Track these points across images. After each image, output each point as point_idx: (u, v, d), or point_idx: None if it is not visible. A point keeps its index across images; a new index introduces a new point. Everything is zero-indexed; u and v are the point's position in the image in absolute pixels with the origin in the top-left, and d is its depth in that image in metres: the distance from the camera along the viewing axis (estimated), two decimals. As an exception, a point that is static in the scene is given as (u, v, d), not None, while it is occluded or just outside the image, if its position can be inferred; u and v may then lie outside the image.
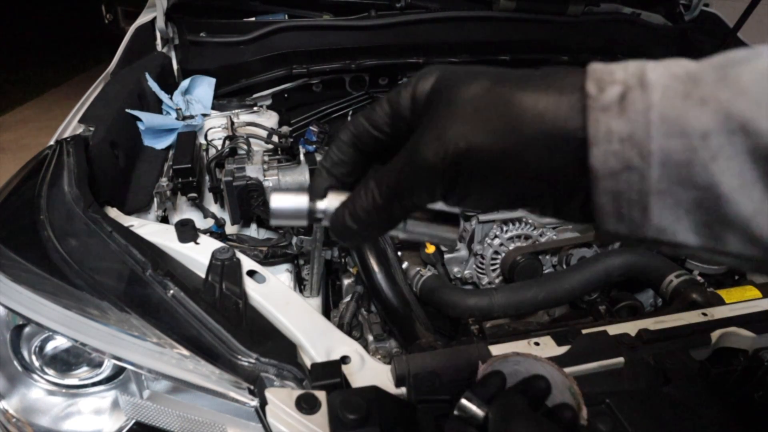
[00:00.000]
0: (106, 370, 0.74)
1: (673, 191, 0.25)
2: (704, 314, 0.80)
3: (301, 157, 1.37)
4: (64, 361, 0.75)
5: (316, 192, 0.37)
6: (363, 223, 0.34)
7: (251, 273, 0.87)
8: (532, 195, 0.30)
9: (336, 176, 0.38)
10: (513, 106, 0.29)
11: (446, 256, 1.13)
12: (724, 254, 0.26)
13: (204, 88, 1.52)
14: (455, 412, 0.47)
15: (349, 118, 1.84)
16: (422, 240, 0.37)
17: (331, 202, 0.36)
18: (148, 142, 1.32)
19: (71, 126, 1.20)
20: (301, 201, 0.36)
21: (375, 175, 0.33)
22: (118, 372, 0.74)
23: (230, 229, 1.29)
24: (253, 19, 1.69)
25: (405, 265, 1.13)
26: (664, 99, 0.25)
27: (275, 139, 1.46)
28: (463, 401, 0.47)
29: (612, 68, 0.27)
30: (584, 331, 0.75)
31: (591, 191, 0.27)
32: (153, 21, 1.63)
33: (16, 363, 0.74)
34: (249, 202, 1.25)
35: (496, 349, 0.72)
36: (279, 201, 0.37)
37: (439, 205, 0.34)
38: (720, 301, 0.85)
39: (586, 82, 0.27)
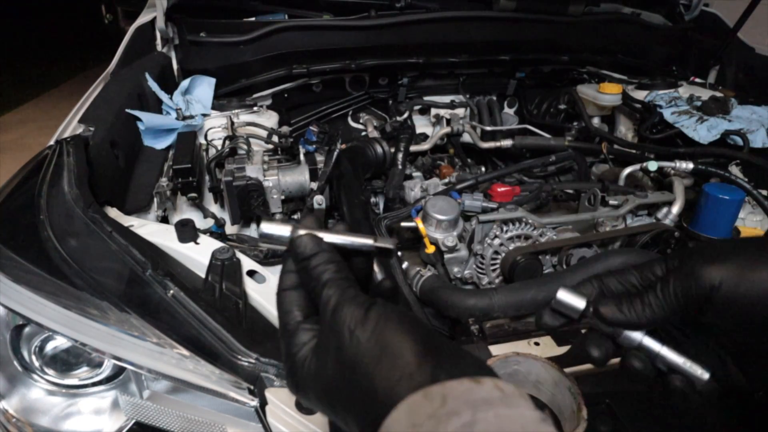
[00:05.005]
0: (106, 370, 0.74)
1: None
2: (704, 314, 0.79)
3: (301, 157, 1.37)
4: (64, 361, 0.75)
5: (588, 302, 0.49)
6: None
7: (251, 273, 0.87)
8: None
9: None
10: None
11: (446, 256, 1.13)
12: None
13: (204, 88, 1.52)
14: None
15: (349, 118, 1.84)
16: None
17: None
18: (148, 142, 1.32)
19: (71, 126, 1.19)
20: (580, 303, 0.48)
21: (644, 300, 0.46)
22: (118, 372, 0.74)
23: (230, 229, 1.29)
24: (253, 19, 1.69)
25: (405, 265, 1.13)
26: None
27: (275, 139, 1.46)
28: (264, 226, 0.47)
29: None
30: (584, 331, 0.75)
31: None
32: (153, 21, 1.63)
33: (16, 363, 0.74)
34: (249, 202, 1.25)
35: (496, 349, 0.72)
36: (564, 296, 0.49)
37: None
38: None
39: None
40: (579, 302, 0.48)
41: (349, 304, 0.38)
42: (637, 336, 0.46)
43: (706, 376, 0.44)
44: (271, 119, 1.53)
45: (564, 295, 0.48)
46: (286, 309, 0.44)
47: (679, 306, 0.43)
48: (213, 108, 1.52)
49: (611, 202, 1.21)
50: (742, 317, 0.40)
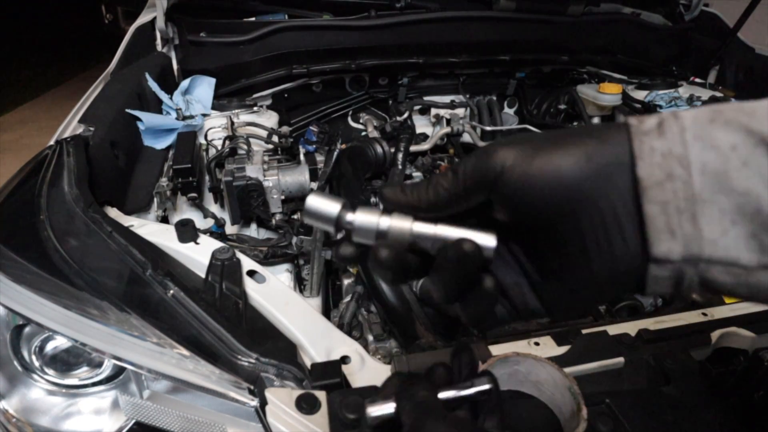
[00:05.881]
0: (106, 370, 0.74)
1: (716, 199, 0.29)
2: (704, 314, 0.80)
3: (301, 157, 1.37)
4: (64, 361, 0.75)
5: (348, 204, 0.39)
6: (419, 209, 0.38)
7: (251, 273, 0.87)
8: (566, 218, 0.34)
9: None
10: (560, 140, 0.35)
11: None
12: None
13: (204, 88, 1.52)
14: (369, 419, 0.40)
15: (349, 118, 1.84)
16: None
17: (360, 216, 0.38)
18: (148, 142, 1.32)
19: (71, 126, 1.20)
20: (333, 207, 0.38)
21: (431, 180, 0.38)
22: (118, 372, 0.74)
23: (230, 229, 1.29)
24: (253, 19, 1.69)
25: (405, 265, 1.13)
26: (695, 123, 0.31)
27: (275, 139, 1.46)
28: (370, 410, 0.40)
29: (648, 115, 0.33)
30: (584, 331, 0.75)
31: (641, 204, 0.32)
32: (153, 21, 1.63)
33: (16, 363, 0.74)
34: (249, 202, 1.25)
35: (496, 349, 0.72)
36: (313, 201, 0.38)
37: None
38: (720, 301, 0.85)
39: (628, 119, 0.33)
40: (333, 206, 0.38)
41: None
42: (406, 224, 0.38)
43: (493, 242, 0.37)
44: (271, 119, 1.53)
45: (314, 201, 0.38)
46: None
47: (466, 187, 0.37)
48: (213, 108, 1.52)
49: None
50: (529, 206, 0.35)
